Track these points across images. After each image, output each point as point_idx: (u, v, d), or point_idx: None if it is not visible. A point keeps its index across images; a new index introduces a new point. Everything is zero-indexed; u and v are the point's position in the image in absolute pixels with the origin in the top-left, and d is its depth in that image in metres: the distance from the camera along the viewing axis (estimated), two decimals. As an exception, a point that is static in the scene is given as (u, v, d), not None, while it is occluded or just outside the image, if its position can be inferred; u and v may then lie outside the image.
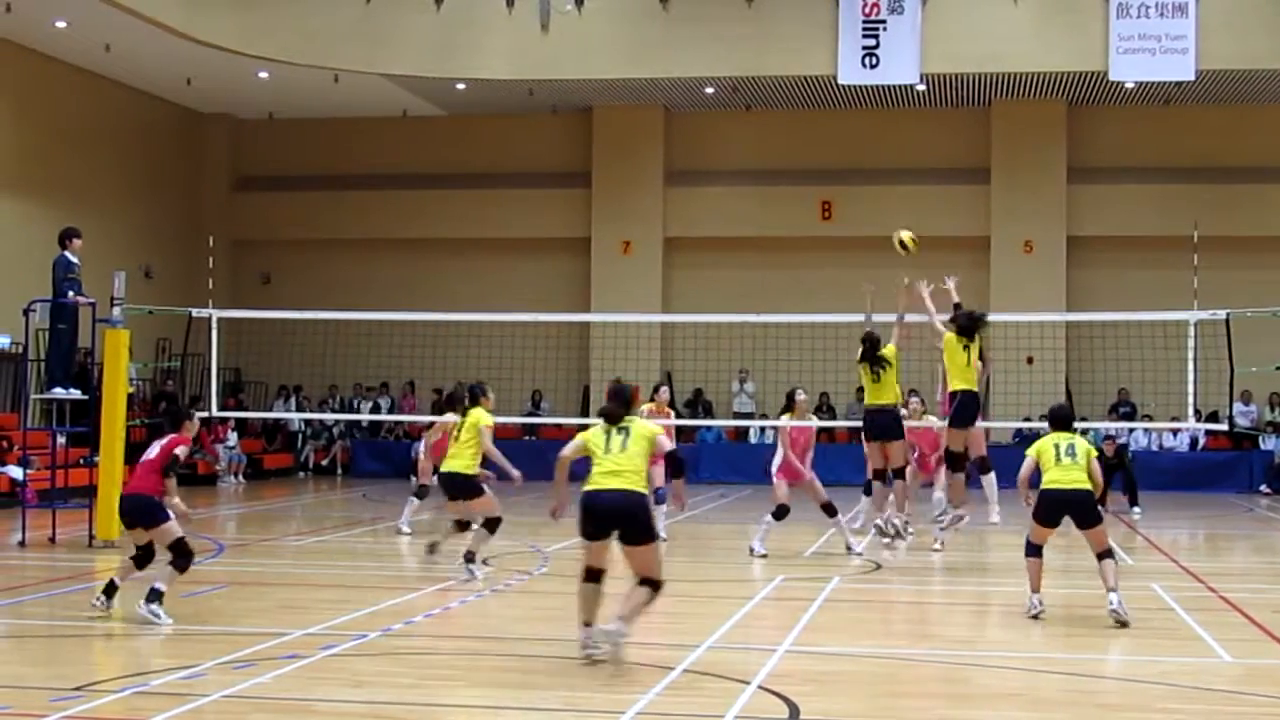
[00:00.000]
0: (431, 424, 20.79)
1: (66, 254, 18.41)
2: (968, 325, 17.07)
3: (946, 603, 14.44)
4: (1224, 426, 25.72)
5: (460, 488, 15.27)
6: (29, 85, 29.32)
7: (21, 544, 17.93)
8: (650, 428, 10.94)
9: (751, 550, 17.45)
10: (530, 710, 9.28)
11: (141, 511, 12.55)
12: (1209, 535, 23.40)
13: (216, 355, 21.61)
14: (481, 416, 15.41)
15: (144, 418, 28.49)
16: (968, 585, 15.73)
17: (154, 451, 12.73)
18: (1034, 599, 13.03)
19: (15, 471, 23.03)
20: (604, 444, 10.77)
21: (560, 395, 33.92)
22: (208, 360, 21.80)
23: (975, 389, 16.64)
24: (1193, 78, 29.21)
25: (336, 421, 34.03)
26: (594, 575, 10.77)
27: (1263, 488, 30.65)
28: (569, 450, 10.92)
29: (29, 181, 29.17)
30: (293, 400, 34.33)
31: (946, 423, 16.80)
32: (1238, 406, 29.59)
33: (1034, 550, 13.18)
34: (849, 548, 17.59)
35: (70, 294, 18.23)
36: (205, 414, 25.36)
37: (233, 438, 31.40)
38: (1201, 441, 31.58)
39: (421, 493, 20.24)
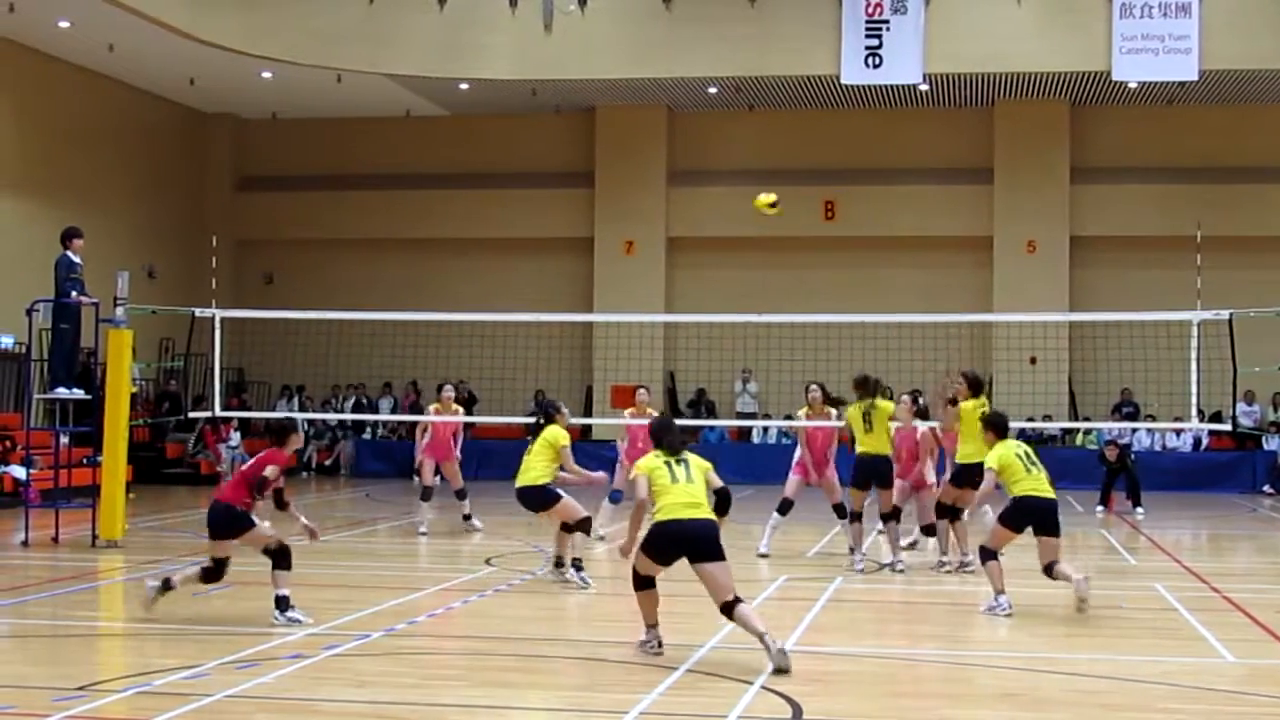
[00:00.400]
0: (425, 426, 20.65)
1: (68, 254, 18.41)
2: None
3: (949, 603, 14.43)
4: (1227, 427, 25.69)
5: (535, 500, 15.16)
6: (32, 85, 29.35)
7: (25, 544, 17.94)
8: (703, 462, 11.32)
9: (759, 552, 17.39)
10: (533, 710, 9.29)
11: (224, 522, 12.40)
12: (1212, 535, 23.39)
13: (219, 355, 21.61)
14: (558, 435, 15.28)
15: (147, 418, 28.54)
16: (970, 586, 15.71)
17: (249, 463, 12.72)
18: (1003, 600, 13.24)
19: (19, 471, 23.05)
20: (669, 475, 11.01)
21: (563, 395, 33.67)
22: (211, 360, 21.79)
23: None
24: (1196, 78, 29.20)
25: (340, 421, 34.02)
26: (649, 582, 11.08)
27: (1266, 488, 30.63)
28: (643, 492, 11.05)
29: (32, 181, 29.19)
30: (295, 400, 34.32)
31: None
32: (1241, 407, 29.57)
33: (993, 555, 13.48)
34: (893, 565, 16.76)
35: (73, 294, 18.23)
36: (208, 414, 25.49)
37: (235, 438, 31.40)
38: (1204, 442, 31.58)
39: (426, 495, 20.28)
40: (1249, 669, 11.07)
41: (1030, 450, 13.60)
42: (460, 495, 20.32)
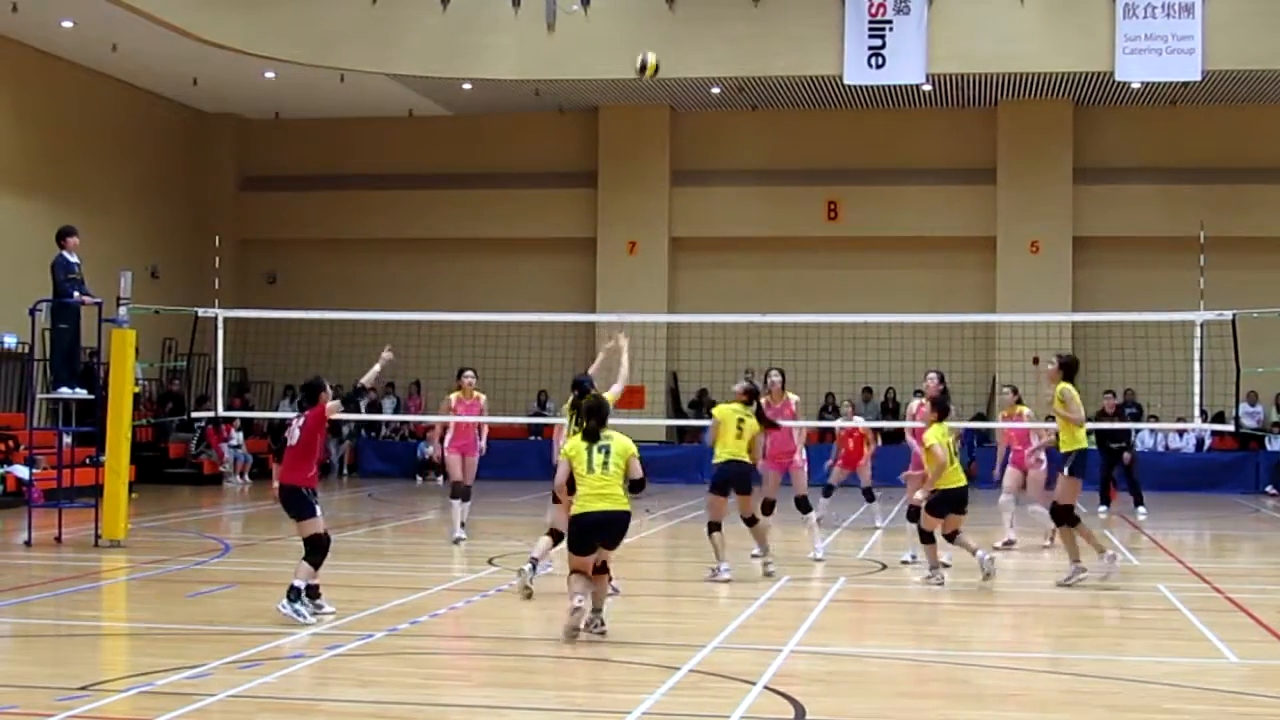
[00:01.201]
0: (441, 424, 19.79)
1: (64, 253, 18.42)
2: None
3: (952, 603, 14.42)
4: (1230, 427, 25.72)
5: None
6: (35, 85, 29.35)
7: (27, 543, 17.93)
8: (627, 446, 11.59)
9: (814, 557, 17.28)
10: (535, 710, 9.28)
11: (291, 504, 12.61)
12: (1215, 536, 23.37)
13: (222, 355, 21.61)
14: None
15: (150, 418, 28.55)
16: (972, 586, 15.70)
17: (295, 436, 12.58)
18: (940, 574, 15.03)
19: (21, 471, 23.06)
20: (586, 463, 11.47)
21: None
22: (214, 360, 21.79)
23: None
24: (1199, 78, 29.19)
25: (346, 422, 33.97)
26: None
27: (1269, 488, 30.61)
28: (562, 477, 11.70)
29: (35, 181, 29.20)
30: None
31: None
32: (1244, 407, 29.58)
33: (931, 538, 14.97)
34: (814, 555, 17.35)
35: (75, 294, 18.23)
36: (211, 414, 25.48)
37: (238, 437, 31.41)
38: (1207, 442, 31.56)
39: (457, 491, 18.97)
40: (1252, 669, 11.06)
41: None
42: (465, 495, 19.02)
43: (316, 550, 12.43)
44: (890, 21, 29.32)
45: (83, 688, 9.46)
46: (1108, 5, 29.18)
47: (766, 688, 9.79)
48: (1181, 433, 30.70)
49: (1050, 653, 11.56)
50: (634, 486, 11.61)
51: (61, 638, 12.00)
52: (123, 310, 18.68)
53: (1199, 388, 19.46)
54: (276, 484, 12.95)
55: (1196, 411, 19.77)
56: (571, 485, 11.54)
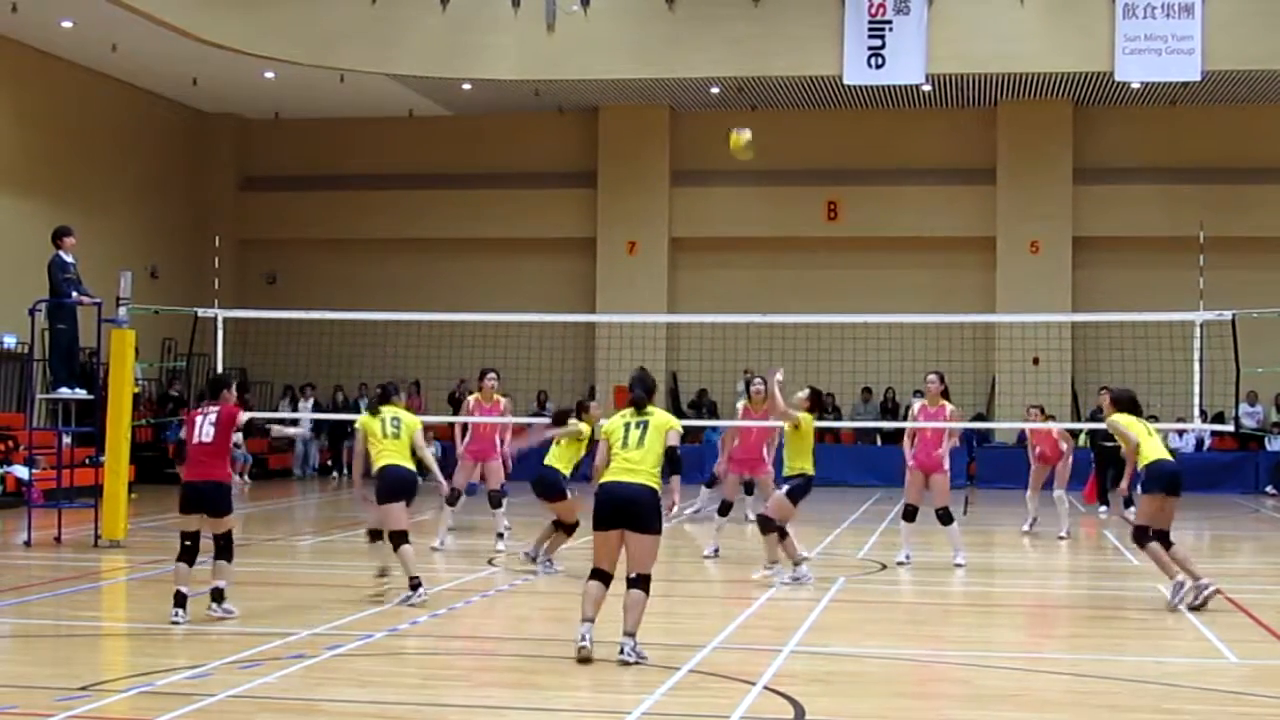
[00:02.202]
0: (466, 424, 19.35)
1: (61, 253, 18.44)
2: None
3: (952, 603, 14.43)
4: (1230, 427, 25.72)
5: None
6: (35, 85, 29.36)
7: (27, 544, 17.94)
8: (668, 420, 10.99)
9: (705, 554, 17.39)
10: (535, 710, 9.29)
11: (210, 499, 12.46)
12: (1214, 536, 23.37)
13: (222, 355, 21.61)
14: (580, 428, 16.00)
15: (149, 418, 28.54)
16: (972, 586, 15.71)
17: (214, 434, 12.48)
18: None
19: (21, 471, 23.06)
20: (622, 438, 10.89)
21: (566, 395, 33.79)
22: (213, 360, 21.79)
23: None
24: (1199, 78, 29.19)
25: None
26: (599, 573, 10.85)
27: (1268, 489, 30.63)
28: (601, 459, 11.21)
29: (35, 181, 29.19)
30: (310, 401, 34.00)
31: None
32: (1243, 407, 29.57)
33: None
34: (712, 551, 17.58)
35: (73, 294, 18.24)
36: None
37: (238, 437, 31.36)
38: (1207, 442, 31.56)
39: (453, 498, 18.56)
40: (1251, 669, 11.06)
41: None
42: (494, 501, 18.46)
43: (228, 545, 12.52)
44: (890, 22, 29.32)
45: (83, 688, 9.46)
46: (1107, 5, 29.18)
47: (766, 688, 9.79)
48: (1181, 433, 30.69)
49: (1049, 653, 11.57)
50: (672, 464, 11.08)
51: (61, 638, 12.00)
52: (122, 310, 18.69)
53: (1199, 388, 19.47)
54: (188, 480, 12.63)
55: (1196, 412, 19.77)
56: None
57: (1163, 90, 31.46)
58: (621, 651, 10.45)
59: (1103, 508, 24.24)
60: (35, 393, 22.15)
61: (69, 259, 18.43)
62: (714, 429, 32.80)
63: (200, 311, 21.31)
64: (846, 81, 29.95)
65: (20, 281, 25.50)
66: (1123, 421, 14.42)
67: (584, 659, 10.41)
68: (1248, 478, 31.18)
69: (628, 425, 10.92)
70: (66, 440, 20.05)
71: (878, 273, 33.85)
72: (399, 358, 30.03)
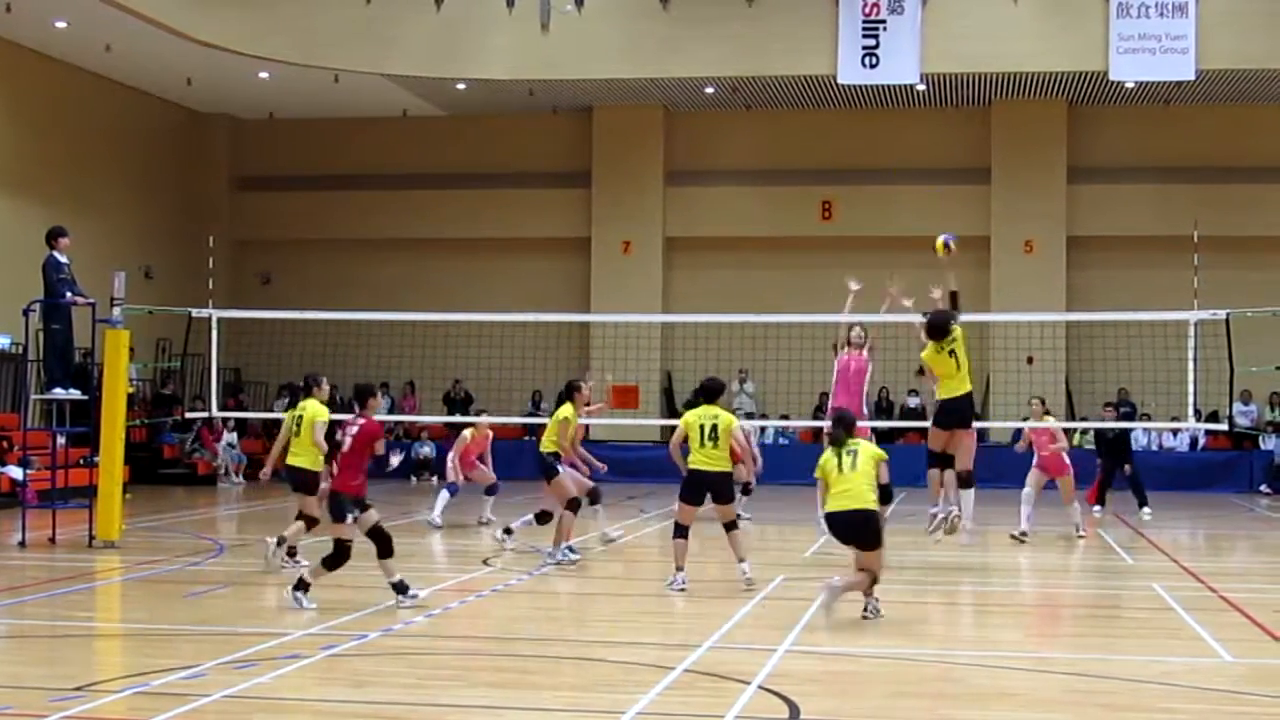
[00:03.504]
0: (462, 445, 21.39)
1: (55, 254, 18.42)
2: (938, 325, 16.50)
3: (947, 603, 14.43)
4: (1224, 426, 25.68)
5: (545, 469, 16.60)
6: (29, 85, 29.32)
7: (22, 544, 17.92)
8: (876, 452, 12.86)
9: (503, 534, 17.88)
10: (530, 710, 9.28)
11: (342, 509, 12.96)
12: (1209, 535, 23.38)
13: (217, 355, 21.60)
14: (565, 411, 16.90)
15: (144, 418, 28.52)
16: (968, 585, 15.72)
17: (350, 443, 12.97)
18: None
19: (15, 472, 23.03)
20: (836, 465, 12.61)
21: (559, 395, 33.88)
22: (208, 360, 21.78)
23: (959, 393, 15.93)
24: (1193, 77, 29.22)
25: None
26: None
27: (1263, 487, 30.66)
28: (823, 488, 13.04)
29: (29, 182, 29.16)
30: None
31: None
32: (1238, 406, 29.59)
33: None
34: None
35: (67, 294, 18.22)
36: (205, 414, 25.46)
37: (232, 437, 31.38)
38: (1201, 441, 31.58)
39: (453, 489, 20.97)
40: (1247, 668, 11.06)
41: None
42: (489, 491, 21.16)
43: (384, 542, 13.01)
44: (884, 21, 29.32)
45: (77, 688, 9.45)
46: (1101, 5, 29.20)
47: (761, 687, 9.79)
48: (1176, 432, 30.73)
49: (1045, 652, 11.57)
50: (884, 497, 12.85)
51: (56, 638, 11.98)
52: (117, 311, 18.66)
53: (1193, 387, 19.50)
54: (330, 490, 13.31)
55: (1191, 411, 19.80)
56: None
57: (1157, 89, 31.48)
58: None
59: (1097, 507, 24.21)
60: (30, 393, 22.12)
61: (63, 259, 18.41)
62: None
63: (195, 312, 21.30)
64: (841, 81, 29.95)
65: (14, 282, 25.47)
66: (925, 356, 15.79)
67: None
68: (1242, 477, 31.20)
69: (839, 455, 12.62)
70: (61, 441, 20.02)
71: (872, 272, 33.68)
72: (394, 358, 30.08)
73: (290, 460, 15.78)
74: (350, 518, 12.88)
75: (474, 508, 21.65)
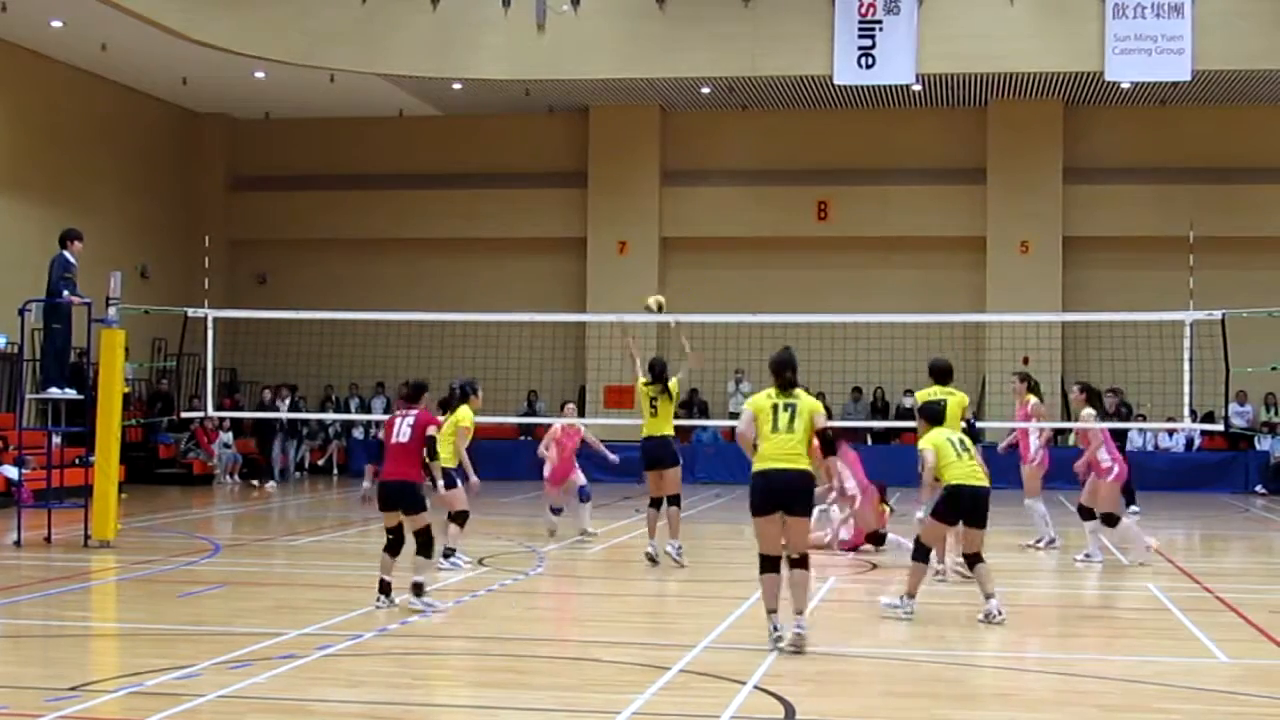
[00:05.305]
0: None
1: (66, 254, 18.44)
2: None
3: (942, 603, 14.42)
4: (1219, 427, 25.66)
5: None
6: (24, 85, 29.29)
7: (17, 544, 17.91)
8: (813, 403, 11.42)
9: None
10: (526, 710, 9.28)
11: (397, 497, 13.03)
12: (1205, 535, 23.39)
13: (212, 355, 21.58)
14: (464, 416, 16.36)
15: (139, 418, 28.50)
16: (963, 586, 15.71)
17: (410, 434, 13.09)
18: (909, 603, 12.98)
19: (11, 471, 23.01)
20: (771, 422, 11.25)
21: (556, 395, 33.83)
22: (204, 360, 21.77)
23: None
24: (1189, 78, 29.23)
25: (333, 421, 33.96)
26: (771, 563, 11.19)
27: (1258, 488, 30.67)
28: (744, 427, 11.42)
29: (24, 181, 29.14)
30: (287, 401, 33.94)
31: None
32: (1233, 407, 29.61)
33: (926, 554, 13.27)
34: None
35: (65, 293, 18.22)
36: (200, 414, 25.46)
37: (228, 438, 31.35)
38: (1197, 442, 31.59)
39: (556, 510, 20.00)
40: (1242, 669, 11.07)
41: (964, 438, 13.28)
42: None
43: (426, 543, 13.00)
44: (880, 21, 29.33)
45: (72, 688, 9.44)
46: (1097, 5, 29.20)
47: (756, 687, 9.79)
48: (1171, 432, 30.73)
49: (1041, 652, 11.57)
50: (826, 446, 11.57)
51: (51, 638, 11.98)
52: (112, 310, 18.66)
53: (1189, 387, 19.50)
54: (378, 480, 13.30)
55: (1186, 411, 19.80)
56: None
57: (1153, 90, 31.50)
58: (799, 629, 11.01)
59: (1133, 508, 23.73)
60: (25, 392, 22.10)
61: (73, 261, 18.45)
62: (702, 429, 32.89)
63: (190, 311, 21.30)
64: (837, 81, 29.94)
65: (10, 281, 25.48)
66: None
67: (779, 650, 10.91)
68: (1238, 477, 31.21)
69: (776, 406, 11.32)
70: (56, 440, 20.00)
71: (868, 272, 33.86)
72: (390, 358, 30.09)
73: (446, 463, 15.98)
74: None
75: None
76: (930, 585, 15.44)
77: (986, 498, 12.73)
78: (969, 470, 12.66)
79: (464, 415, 16.31)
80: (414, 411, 13.29)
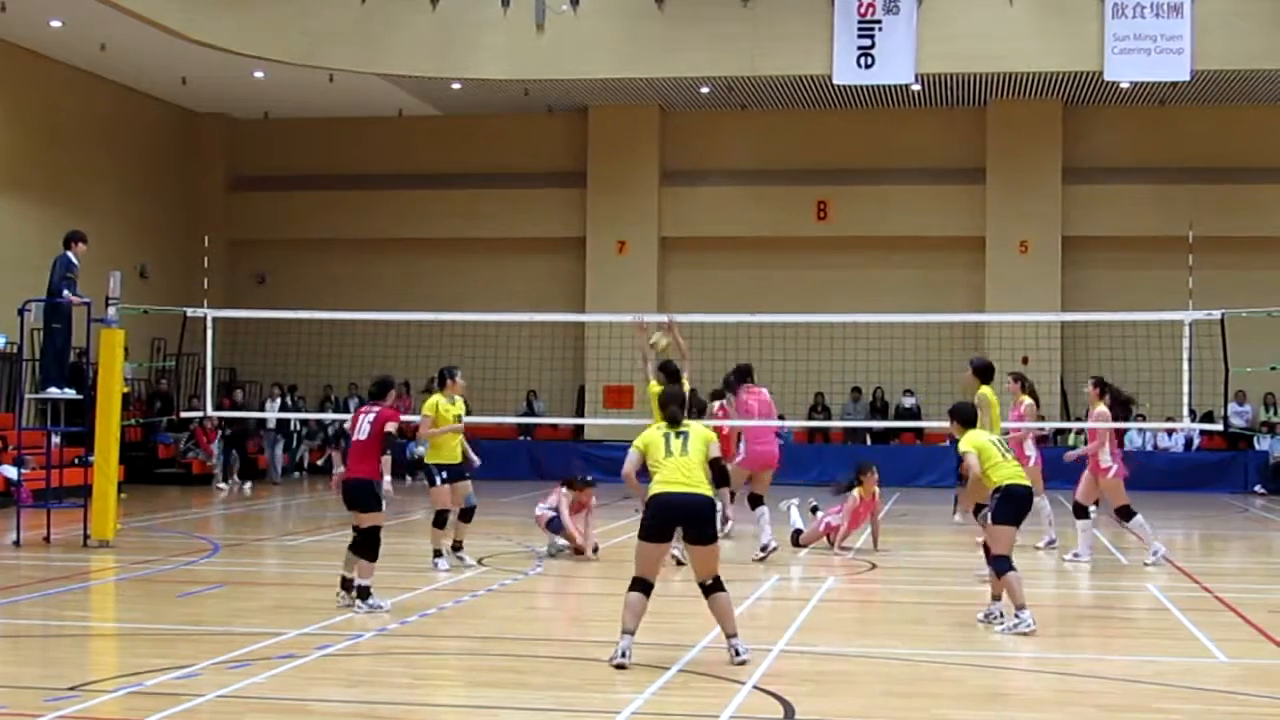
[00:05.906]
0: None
1: (69, 254, 18.45)
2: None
3: (942, 603, 14.42)
4: (1219, 427, 25.68)
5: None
6: (24, 85, 29.28)
7: (16, 544, 17.91)
8: (706, 433, 11.04)
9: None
10: (525, 710, 9.28)
11: (355, 496, 13.06)
12: (1204, 535, 23.39)
13: (211, 355, 21.58)
14: (428, 404, 16.57)
15: (139, 418, 28.50)
16: (963, 585, 15.71)
17: (368, 431, 13.10)
18: (1025, 615, 12.28)
19: (10, 471, 23.00)
20: (664, 449, 10.81)
21: (555, 395, 33.92)
22: (203, 360, 21.77)
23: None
24: (1188, 78, 29.23)
25: (333, 421, 33.92)
26: (642, 584, 10.75)
27: (1257, 488, 30.68)
28: (629, 467, 10.97)
29: (24, 181, 29.13)
30: (278, 401, 33.82)
31: None
32: (1232, 406, 29.61)
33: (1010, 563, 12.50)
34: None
35: (65, 293, 18.22)
36: (199, 414, 25.45)
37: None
38: (1196, 442, 31.59)
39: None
40: (1241, 668, 11.08)
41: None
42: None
43: (372, 543, 12.96)
44: (879, 21, 29.32)
45: (72, 688, 9.44)
46: (1097, 5, 29.19)
47: (756, 687, 9.79)
48: (1170, 432, 30.73)
49: (1040, 652, 11.57)
50: (719, 476, 11.14)
51: (50, 638, 11.98)
52: (112, 310, 18.66)
53: (1188, 387, 19.50)
54: (340, 478, 13.37)
55: (1185, 411, 19.80)
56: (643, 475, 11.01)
57: (1152, 90, 31.49)
58: (737, 653, 10.56)
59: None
60: (25, 392, 22.10)
61: (76, 261, 18.48)
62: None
63: (190, 311, 21.30)
64: (836, 81, 29.93)
65: (9, 281, 25.47)
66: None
67: (619, 668, 10.35)
68: (1237, 477, 31.21)
69: (668, 435, 10.86)
70: (56, 440, 20.00)
71: (867, 272, 33.86)
72: (389, 357, 30.04)
73: (430, 459, 16.35)
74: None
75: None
76: (942, 586, 15.44)
77: (1031, 498, 12.58)
78: (1015, 470, 12.51)
79: (428, 404, 16.47)
80: (376, 409, 13.31)
